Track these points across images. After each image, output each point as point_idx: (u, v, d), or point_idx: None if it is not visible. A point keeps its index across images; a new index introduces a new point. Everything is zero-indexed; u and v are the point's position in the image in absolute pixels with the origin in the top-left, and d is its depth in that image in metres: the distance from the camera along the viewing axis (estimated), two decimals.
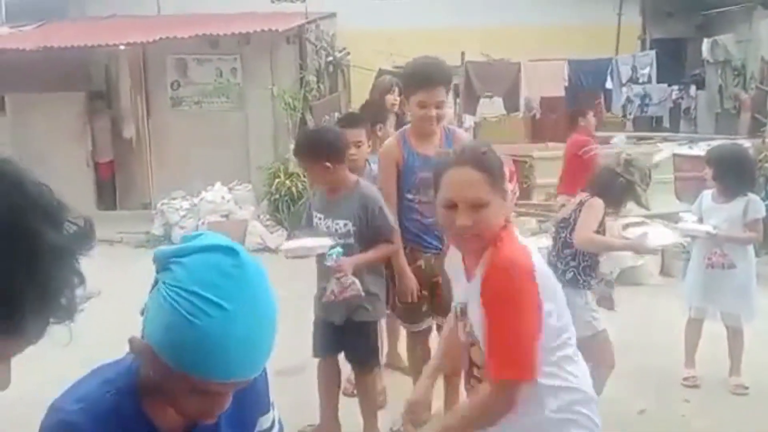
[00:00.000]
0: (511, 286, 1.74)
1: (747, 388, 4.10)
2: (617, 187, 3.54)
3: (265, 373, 1.33)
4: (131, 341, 1.16)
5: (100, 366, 1.27)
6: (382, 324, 4.35)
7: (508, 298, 1.74)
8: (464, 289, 1.96)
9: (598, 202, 3.48)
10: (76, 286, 0.76)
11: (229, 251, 1.11)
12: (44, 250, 0.72)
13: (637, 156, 3.91)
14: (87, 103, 9.58)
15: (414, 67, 3.41)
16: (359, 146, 3.75)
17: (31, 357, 0.82)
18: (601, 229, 3.51)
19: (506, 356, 1.75)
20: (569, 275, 3.44)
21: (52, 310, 0.74)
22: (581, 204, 3.52)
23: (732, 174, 4.02)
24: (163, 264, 1.13)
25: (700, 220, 4.21)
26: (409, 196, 3.39)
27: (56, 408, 1.19)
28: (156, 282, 1.13)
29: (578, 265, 3.48)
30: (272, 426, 1.42)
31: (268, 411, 1.40)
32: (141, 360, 1.17)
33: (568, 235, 3.51)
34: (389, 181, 3.40)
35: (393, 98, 4.95)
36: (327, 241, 3.17)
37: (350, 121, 3.98)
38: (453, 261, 2.07)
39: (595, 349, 3.21)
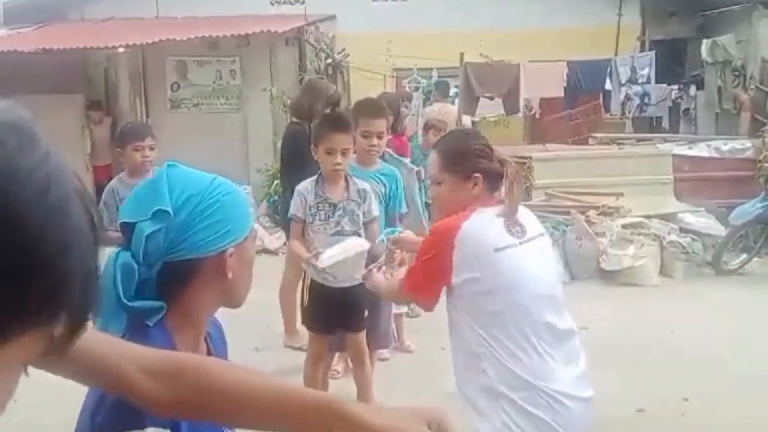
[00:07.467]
0: (427, 238, 2.28)
1: None
2: None
3: None
4: None
5: None
6: None
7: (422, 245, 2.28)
8: None
9: None
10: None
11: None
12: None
13: None
14: (85, 106, 9.56)
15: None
16: (381, 137, 3.64)
17: None
18: None
19: (408, 278, 2.26)
20: None
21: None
22: None
23: None
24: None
25: None
26: None
27: None
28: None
29: None
30: None
31: None
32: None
33: None
34: None
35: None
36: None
37: (374, 111, 3.71)
38: None
39: None
